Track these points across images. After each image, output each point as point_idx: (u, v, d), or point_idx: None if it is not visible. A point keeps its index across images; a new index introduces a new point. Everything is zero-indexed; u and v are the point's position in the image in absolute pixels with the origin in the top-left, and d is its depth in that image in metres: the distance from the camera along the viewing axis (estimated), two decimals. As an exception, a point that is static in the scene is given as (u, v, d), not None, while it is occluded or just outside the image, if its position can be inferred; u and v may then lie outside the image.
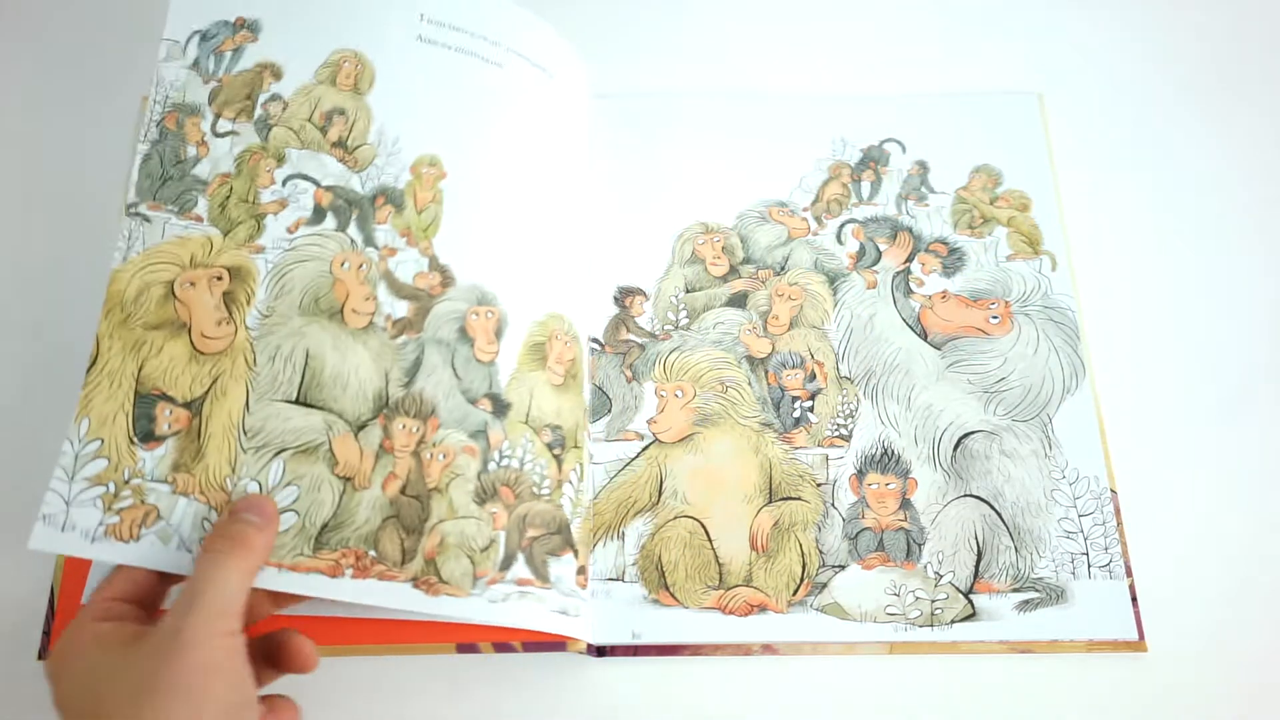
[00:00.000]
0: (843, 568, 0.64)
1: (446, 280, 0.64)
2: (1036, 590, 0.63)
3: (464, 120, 0.67)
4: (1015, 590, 0.63)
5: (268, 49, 0.67)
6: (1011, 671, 0.61)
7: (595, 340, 0.70)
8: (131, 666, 0.48)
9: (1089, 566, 0.63)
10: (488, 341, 0.63)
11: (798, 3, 0.82)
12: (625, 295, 0.71)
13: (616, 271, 0.72)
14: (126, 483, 0.57)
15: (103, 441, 0.57)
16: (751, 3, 0.82)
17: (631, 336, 0.70)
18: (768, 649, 0.62)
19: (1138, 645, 0.62)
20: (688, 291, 0.71)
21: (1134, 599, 0.63)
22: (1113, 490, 0.65)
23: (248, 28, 0.68)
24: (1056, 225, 0.73)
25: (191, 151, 0.64)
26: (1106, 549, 0.64)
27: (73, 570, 0.62)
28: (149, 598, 0.54)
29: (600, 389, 0.68)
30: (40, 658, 0.61)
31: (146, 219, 0.62)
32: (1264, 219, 0.75)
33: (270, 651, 0.54)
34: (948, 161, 0.76)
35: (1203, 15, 0.82)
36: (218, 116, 0.66)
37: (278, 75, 0.67)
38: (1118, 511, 0.65)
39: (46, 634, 0.61)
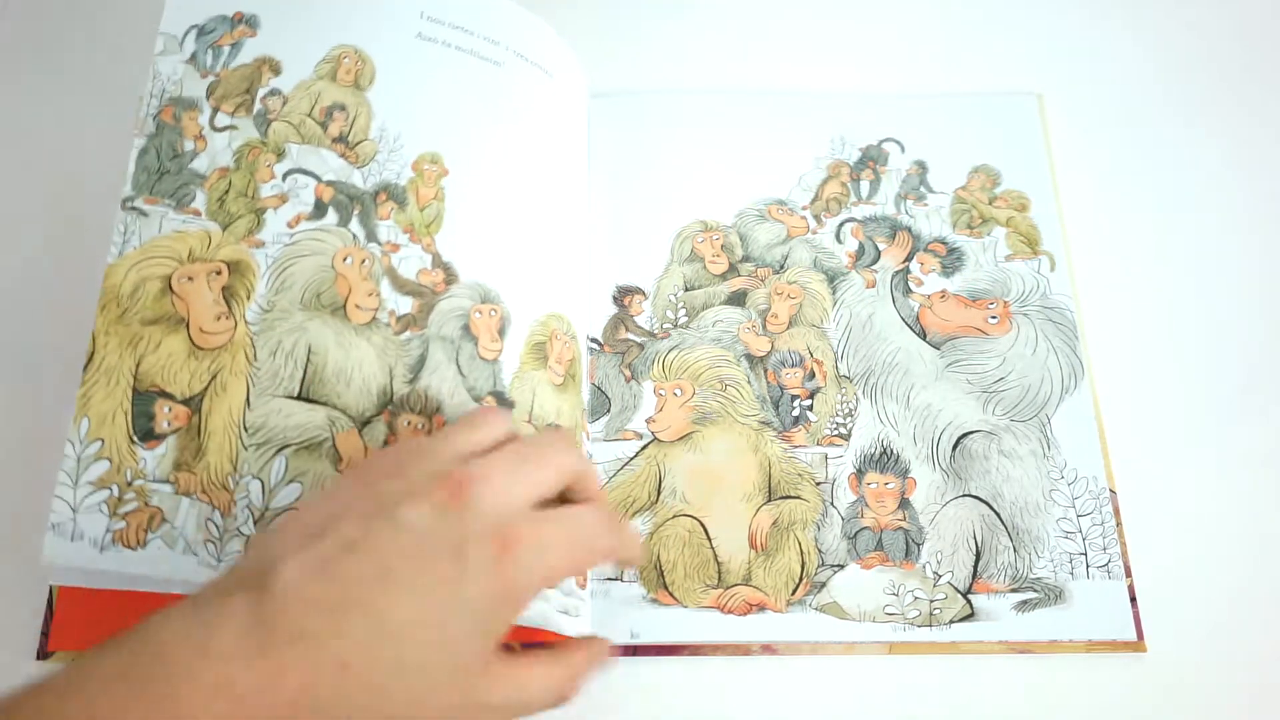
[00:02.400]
0: (841, 567, 0.64)
1: (450, 277, 0.63)
2: (1035, 590, 0.63)
3: (464, 118, 0.67)
4: (1014, 590, 0.63)
5: (267, 44, 0.67)
6: (1010, 672, 0.61)
7: (594, 340, 0.70)
8: None
9: (1088, 567, 0.63)
10: (491, 339, 0.62)
11: (798, 1, 0.82)
12: (624, 294, 0.71)
13: (615, 270, 0.72)
14: (129, 484, 0.56)
15: (103, 442, 0.56)
16: (751, 1, 0.82)
17: (630, 335, 0.70)
18: (767, 649, 0.62)
19: (1137, 645, 0.62)
20: (686, 290, 0.71)
21: (1133, 599, 0.63)
22: (1111, 490, 0.65)
23: (246, 23, 0.67)
24: (1056, 225, 0.73)
25: (189, 145, 0.64)
26: (1105, 549, 0.64)
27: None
28: None
29: (599, 388, 0.68)
30: (39, 657, 0.60)
31: (143, 213, 0.61)
32: (1264, 219, 0.75)
33: None
34: (946, 161, 0.76)
35: (1202, 16, 0.82)
36: (216, 111, 0.65)
37: (276, 70, 0.66)
38: (1116, 512, 0.65)
39: (45, 634, 0.60)
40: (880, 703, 0.61)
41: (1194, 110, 0.79)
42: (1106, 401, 0.68)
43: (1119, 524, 0.65)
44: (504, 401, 0.61)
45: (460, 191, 0.65)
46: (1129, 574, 0.63)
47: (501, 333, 0.63)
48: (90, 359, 0.58)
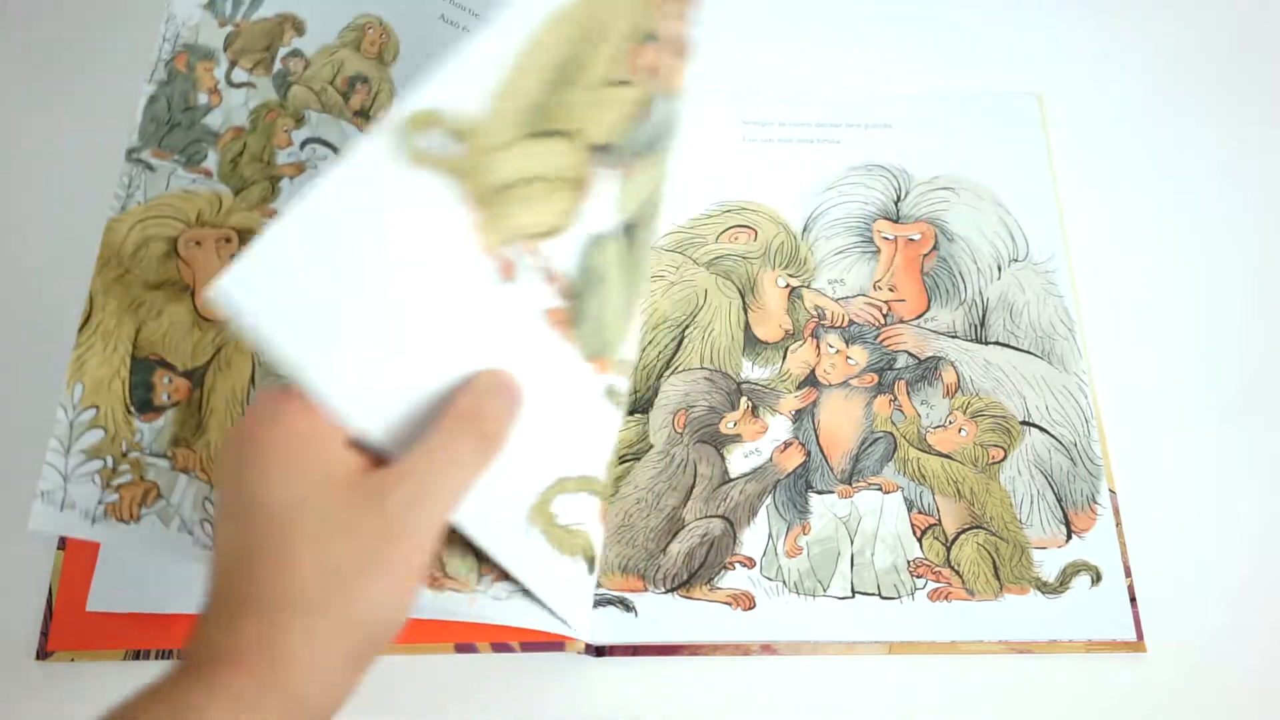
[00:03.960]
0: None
1: None
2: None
3: None
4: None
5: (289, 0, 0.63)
6: (1010, 672, 0.61)
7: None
8: (371, 528, 0.41)
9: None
10: None
11: None
12: None
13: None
14: (124, 456, 0.53)
15: (98, 410, 0.53)
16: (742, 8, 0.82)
17: None
18: (767, 649, 0.62)
19: (1136, 645, 0.61)
20: None
21: (1133, 599, 0.62)
22: (1111, 490, 0.65)
23: None
24: (1056, 226, 0.73)
25: (203, 99, 0.60)
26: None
27: (71, 569, 0.61)
28: None
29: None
30: (38, 658, 0.60)
31: (150, 167, 0.58)
32: (1264, 219, 0.75)
33: None
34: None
35: (1202, 16, 0.82)
36: (233, 65, 0.61)
37: (299, 30, 0.62)
38: (1116, 512, 0.65)
39: (44, 634, 0.60)
40: (880, 703, 0.61)
41: (1193, 111, 0.78)
42: (1106, 401, 0.68)
43: (1119, 524, 0.64)
44: None
45: None
46: (1129, 574, 0.63)
47: None
48: (86, 320, 0.54)
